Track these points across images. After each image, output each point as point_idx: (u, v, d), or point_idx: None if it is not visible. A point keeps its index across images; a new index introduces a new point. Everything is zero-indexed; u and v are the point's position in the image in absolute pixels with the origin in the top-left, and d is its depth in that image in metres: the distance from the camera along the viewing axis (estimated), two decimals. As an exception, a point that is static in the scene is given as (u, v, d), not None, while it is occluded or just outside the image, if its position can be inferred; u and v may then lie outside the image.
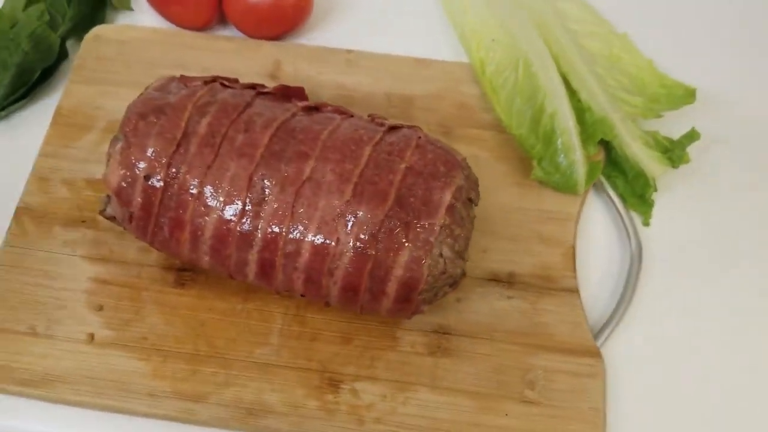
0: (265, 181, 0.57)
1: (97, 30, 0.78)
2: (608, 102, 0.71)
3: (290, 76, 0.76)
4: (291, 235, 0.56)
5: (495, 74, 0.74)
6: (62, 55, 0.77)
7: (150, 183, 0.58)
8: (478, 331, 0.64)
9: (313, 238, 0.56)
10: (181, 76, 0.64)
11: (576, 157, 0.68)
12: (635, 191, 0.71)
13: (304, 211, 0.56)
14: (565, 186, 0.69)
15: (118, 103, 0.74)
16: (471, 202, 0.59)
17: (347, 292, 0.57)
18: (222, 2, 0.78)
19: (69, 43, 0.79)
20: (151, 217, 0.59)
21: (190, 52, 0.78)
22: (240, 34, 0.80)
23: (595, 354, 0.63)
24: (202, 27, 0.80)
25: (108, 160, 0.59)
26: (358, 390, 0.61)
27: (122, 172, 0.58)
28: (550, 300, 0.66)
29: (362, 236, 0.56)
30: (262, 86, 0.64)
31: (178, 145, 0.58)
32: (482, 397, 0.61)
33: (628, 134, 0.69)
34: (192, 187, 0.57)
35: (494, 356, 0.63)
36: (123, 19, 0.82)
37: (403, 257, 0.56)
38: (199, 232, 0.58)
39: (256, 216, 0.57)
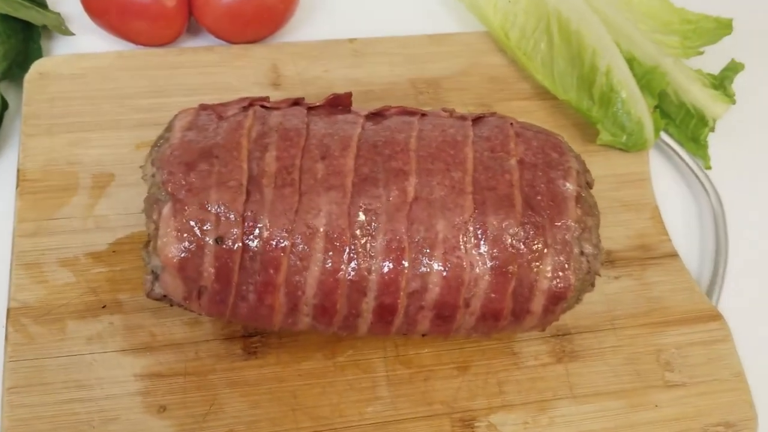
0: (367, 212, 0.47)
1: (39, 66, 0.63)
2: (653, 48, 0.65)
3: (295, 81, 0.65)
4: (413, 270, 0.47)
5: (521, 40, 0.67)
6: (3, 106, 0.61)
7: (224, 246, 0.46)
8: (598, 323, 0.58)
9: (440, 268, 0.47)
10: (203, 105, 0.51)
11: (642, 111, 0.63)
12: (687, 135, 0.67)
13: (422, 238, 0.47)
14: (634, 145, 0.64)
15: (98, 151, 0.60)
16: (588, 185, 0.52)
17: (487, 321, 0.49)
18: (192, 8, 0.64)
19: (2, 87, 0.63)
20: (230, 287, 0.47)
21: (167, 72, 0.64)
22: (216, 42, 0.67)
23: (717, 317, 0.59)
24: (170, 41, 0.66)
25: (155, 231, 0.46)
26: (495, 424, 0.53)
27: (182, 240, 0.46)
28: (655, 270, 0.60)
29: (498, 253, 0.47)
30: (302, 99, 0.53)
31: (249, 193, 0.46)
32: (626, 394, 0.55)
33: (685, 78, 0.64)
34: (280, 239, 0.46)
35: (622, 346, 0.57)
36: (64, 49, 0.67)
37: (547, 266, 0.48)
38: (299, 292, 0.46)
39: (367, 256, 0.46)
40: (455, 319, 0.48)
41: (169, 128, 0.50)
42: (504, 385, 0.55)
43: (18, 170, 0.59)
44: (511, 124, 0.52)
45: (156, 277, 0.48)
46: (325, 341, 0.55)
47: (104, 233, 0.57)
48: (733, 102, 0.66)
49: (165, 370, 0.53)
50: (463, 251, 0.47)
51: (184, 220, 0.46)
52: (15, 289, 0.54)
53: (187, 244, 0.46)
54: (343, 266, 0.46)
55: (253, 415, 0.52)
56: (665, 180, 0.67)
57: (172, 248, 0.46)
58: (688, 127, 0.67)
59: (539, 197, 0.48)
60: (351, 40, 0.68)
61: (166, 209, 0.46)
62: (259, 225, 0.46)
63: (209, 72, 0.64)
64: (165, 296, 0.49)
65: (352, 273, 0.46)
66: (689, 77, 0.65)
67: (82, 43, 0.67)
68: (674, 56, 0.66)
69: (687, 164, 0.66)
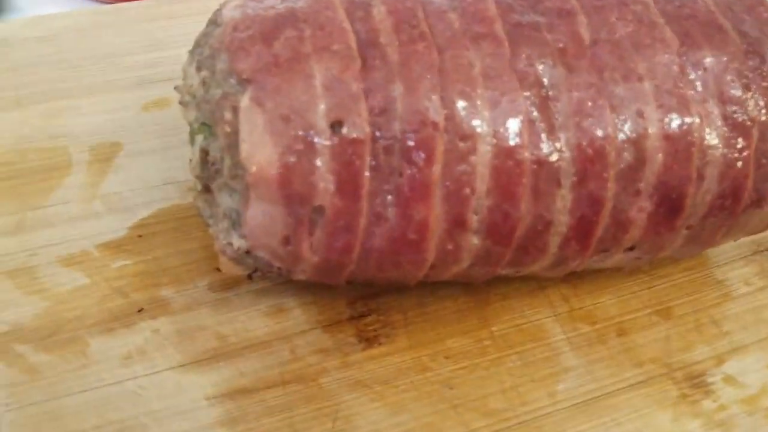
0: (537, 65, 0.32)
1: (-9, 32, 0.47)
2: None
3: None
4: (621, 134, 0.32)
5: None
6: (-54, 85, 0.44)
7: (345, 134, 0.29)
8: (801, 230, 0.44)
9: (658, 126, 0.32)
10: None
11: None
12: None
13: (621, 89, 0.32)
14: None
15: (92, 119, 0.44)
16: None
17: (724, 204, 0.34)
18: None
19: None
20: (359, 201, 0.30)
21: (163, 24, 0.49)
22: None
23: None
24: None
25: (231, 138, 0.30)
26: (733, 375, 0.38)
27: (281, 135, 0.29)
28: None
29: (728, 97, 0.33)
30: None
31: (364, 58, 0.31)
32: None
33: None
34: (427, 112, 0.30)
35: (844, 252, 0.43)
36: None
37: (788, 110, 0.34)
38: (466, 189, 0.30)
39: (553, 124, 0.31)
40: (684, 206, 0.33)
41: (214, 18, 0.34)
42: (723, 324, 0.39)
43: (-19, 157, 0.41)
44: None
45: (233, 223, 0.31)
46: (467, 309, 0.39)
47: (120, 215, 0.39)
48: None
49: (252, 383, 0.35)
50: (682, 99, 0.32)
51: (277, 107, 0.29)
52: (2, 308, 0.36)
53: (289, 140, 0.29)
54: (523, 141, 0.31)
55: (399, 423, 0.34)
56: None
57: (268, 151, 0.29)
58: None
59: (746, 25, 0.35)
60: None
61: (246, 99, 0.30)
62: (391, 96, 0.30)
63: (220, 18, 0.49)
64: (249, 252, 0.32)
65: (537, 150, 0.31)
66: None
67: (38, 10, 0.51)
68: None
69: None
